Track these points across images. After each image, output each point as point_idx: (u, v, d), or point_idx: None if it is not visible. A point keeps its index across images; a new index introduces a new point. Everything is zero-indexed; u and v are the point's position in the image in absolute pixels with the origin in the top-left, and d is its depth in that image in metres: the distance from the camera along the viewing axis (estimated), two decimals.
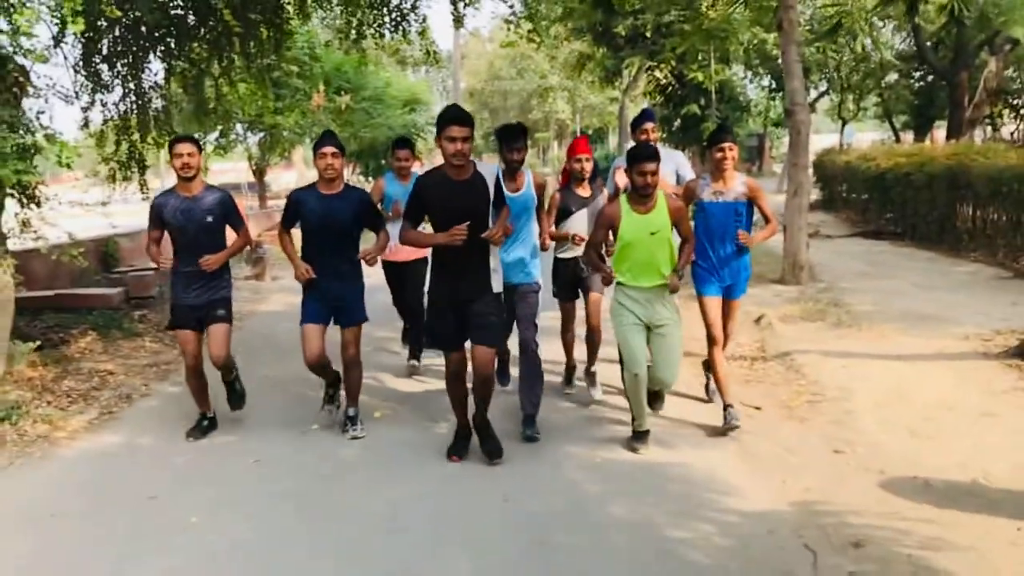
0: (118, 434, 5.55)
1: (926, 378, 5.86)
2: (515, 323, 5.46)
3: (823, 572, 3.45)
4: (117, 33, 8.75)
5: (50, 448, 5.28)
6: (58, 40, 7.56)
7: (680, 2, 13.66)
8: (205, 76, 10.03)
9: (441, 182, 4.53)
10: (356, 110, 20.66)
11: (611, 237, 4.85)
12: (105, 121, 9.50)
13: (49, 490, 4.64)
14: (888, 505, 4.03)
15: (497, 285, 4.74)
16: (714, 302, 5.27)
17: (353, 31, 9.98)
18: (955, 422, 5.05)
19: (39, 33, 6.26)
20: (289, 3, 9.70)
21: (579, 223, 5.54)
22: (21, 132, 6.14)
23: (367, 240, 5.53)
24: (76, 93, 8.71)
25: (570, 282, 5.75)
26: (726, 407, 5.13)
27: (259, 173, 22.16)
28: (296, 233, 5.32)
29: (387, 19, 10.01)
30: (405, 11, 9.97)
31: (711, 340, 5.26)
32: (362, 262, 5.26)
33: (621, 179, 5.46)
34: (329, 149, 5.11)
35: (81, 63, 8.64)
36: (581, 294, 5.79)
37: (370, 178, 21.67)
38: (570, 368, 6.13)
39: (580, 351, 5.98)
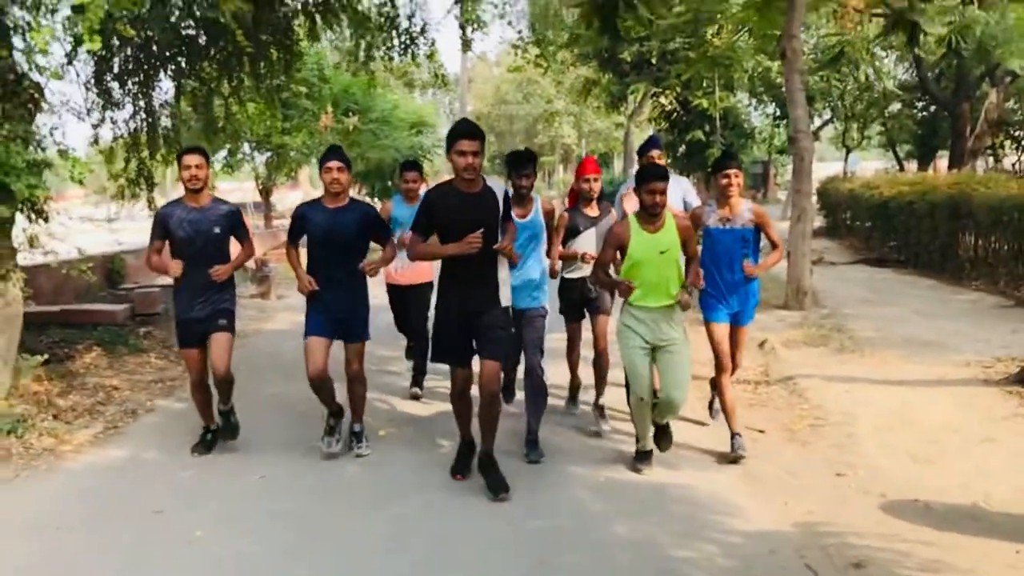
0: (123, 448, 5.58)
1: (927, 404, 5.88)
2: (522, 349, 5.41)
3: None
4: (129, 52, 8.87)
5: (56, 461, 5.30)
6: (71, 58, 7.67)
7: (685, 30, 13.81)
8: (215, 95, 10.14)
9: (451, 195, 4.54)
10: (363, 131, 20.80)
11: (619, 257, 4.82)
12: (115, 138, 9.61)
13: (54, 502, 4.66)
14: (889, 527, 4.05)
15: (506, 298, 4.70)
16: (722, 328, 5.26)
17: (362, 53, 10.11)
18: (956, 447, 5.08)
19: (54, 51, 6.40)
20: (299, 25, 9.82)
21: (587, 242, 5.54)
22: (33, 147, 6.23)
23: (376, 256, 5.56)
24: (87, 110, 8.85)
25: (577, 302, 5.74)
26: (733, 435, 5.13)
27: (265, 192, 22.29)
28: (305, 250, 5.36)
29: (396, 42, 10.13)
30: (414, 34, 10.10)
31: (719, 368, 5.26)
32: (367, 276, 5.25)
33: (630, 205, 5.43)
34: (335, 163, 5.15)
35: (93, 81, 8.77)
36: (588, 315, 5.77)
37: (376, 199, 21.76)
38: (574, 387, 6.14)
39: (585, 373, 6.00)
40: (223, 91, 10.18)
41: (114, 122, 9.34)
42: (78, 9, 5.42)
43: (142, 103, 9.47)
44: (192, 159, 5.16)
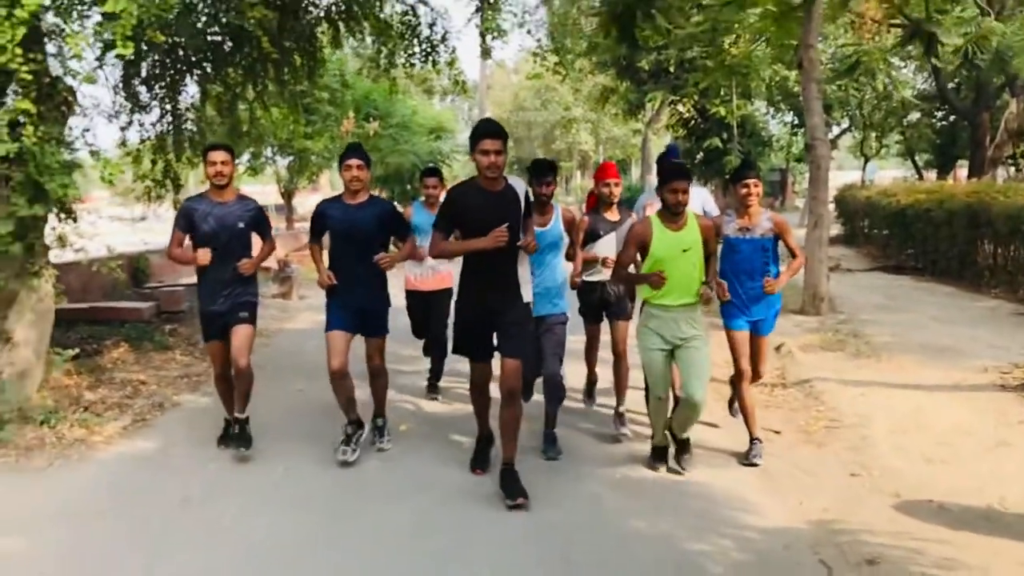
0: (151, 440, 5.73)
1: (943, 407, 5.93)
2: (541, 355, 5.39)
3: None
4: (156, 57, 9.05)
5: (87, 451, 5.45)
6: (100, 62, 7.85)
7: (703, 39, 13.85)
8: (239, 100, 10.31)
9: (475, 193, 4.58)
10: (383, 136, 20.99)
11: (639, 257, 4.85)
12: (142, 140, 9.79)
13: (86, 491, 4.81)
14: (902, 526, 4.12)
15: (527, 295, 4.73)
16: (742, 336, 5.25)
17: (384, 60, 10.26)
18: (971, 450, 5.12)
19: (85, 55, 6.56)
20: (323, 32, 9.99)
21: (607, 246, 5.58)
22: (66, 149, 6.39)
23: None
24: (116, 112, 9.03)
25: (596, 305, 5.77)
26: (752, 440, 5.19)
27: (287, 195, 22.57)
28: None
29: (418, 50, 10.26)
30: (435, 42, 10.22)
31: (739, 374, 5.29)
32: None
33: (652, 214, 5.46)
34: (355, 161, 5.24)
35: (121, 84, 8.95)
36: (608, 320, 5.78)
37: (396, 203, 21.91)
38: (591, 383, 6.21)
39: (603, 373, 6.09)
40: (247, 96, 10.35)
41: (141, 125, 9.52)
42: (110, 16, 5.58)
43: (168, 107, 9.64)
44: (218, 155, 5.27)
